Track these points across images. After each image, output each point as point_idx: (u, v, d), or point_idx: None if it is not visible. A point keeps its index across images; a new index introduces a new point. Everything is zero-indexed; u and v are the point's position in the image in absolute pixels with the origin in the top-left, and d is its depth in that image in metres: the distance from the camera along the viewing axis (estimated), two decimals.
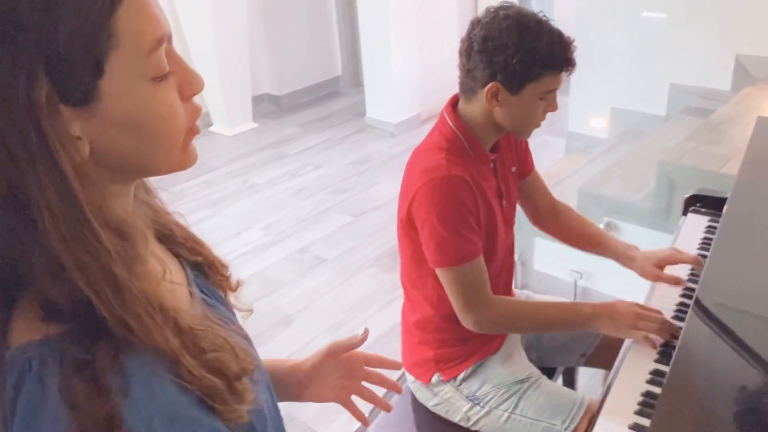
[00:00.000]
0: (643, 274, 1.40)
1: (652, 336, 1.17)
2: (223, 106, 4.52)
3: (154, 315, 0.49)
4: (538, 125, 1.26)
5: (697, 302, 1.11)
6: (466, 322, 1.24)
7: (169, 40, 0.51)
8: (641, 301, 1.33)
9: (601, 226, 2.33)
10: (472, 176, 1.21)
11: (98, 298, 0.46)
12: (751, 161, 1.51)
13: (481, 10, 1.21)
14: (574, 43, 1.17)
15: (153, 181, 0.65)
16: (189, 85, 0.52)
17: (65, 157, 0.44)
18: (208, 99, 4.59)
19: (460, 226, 1.18)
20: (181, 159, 0.54)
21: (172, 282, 0.55)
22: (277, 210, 3.52)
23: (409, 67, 4.35)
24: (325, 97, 5.25)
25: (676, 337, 1.13)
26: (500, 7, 1.17)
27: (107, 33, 0.45)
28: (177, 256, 0.64)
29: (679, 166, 2.12)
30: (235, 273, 0.74)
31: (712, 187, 1.71)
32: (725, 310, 1.09)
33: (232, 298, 0.70)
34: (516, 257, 2.68)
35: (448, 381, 1.36)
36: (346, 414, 1.45)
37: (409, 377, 1.43)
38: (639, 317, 1.18)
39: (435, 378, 1.37)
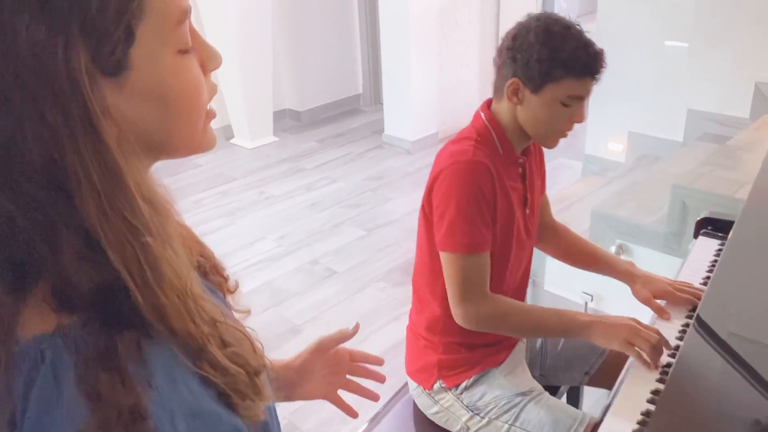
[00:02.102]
0: (637, 296, 1.40)
1: (646, 357, 1.15)
2: (245, 119, 4.60)
3: (187, 299, 0.47)
4: (563, 134, 1.25)
5: (698, 319, 1.10)
6: (457, 314, 1.23)
7: (189, 16, 0.50)
8: (646, 320, 1.32)
9: (613, 248, 2.31)
10: (498, 171, 1.22)
11: (132, 277, 0.43)
12: (762, 185, 1.49)
13: (502, 33, 1.26)
14: (604, 53, 1.18)
15: (171, 191, 0.66)
16: (209, 59, 0.52)
17: (107, 127, 0.43)
18: (231, 112, 4.67)
19: (474, 215, 1.18)
20: (202, 139, 0.54)
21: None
22: (291, 222, 3.56)
23: (428, 86, 4.39)
24: (345, 114, 5.31)
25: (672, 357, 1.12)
26: (539, 14, 1.21)
27: (137, 1, 0.44)
28: None
29: (692, 189, 2.11)
30: (247, 282, 0.72)
31: (725, 212, 1.69)
32: (725, 330, 1.08)
33: (230, 299, 0.69)
34: None
35: (450, 389, 1.35)
36: (348, 426, 1.43)
37: (412, 383, 1.43)
38: (634, 332, 1.16)
39: (437, 385, 1.36)
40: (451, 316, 1.31)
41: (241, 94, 4.46)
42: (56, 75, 0.41)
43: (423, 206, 1.29)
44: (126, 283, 0.43)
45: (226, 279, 0.68)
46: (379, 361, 0.94)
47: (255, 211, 3.70)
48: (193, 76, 0.50)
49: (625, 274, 1.43)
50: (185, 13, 0.48)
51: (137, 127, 0.47)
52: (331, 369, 0.89)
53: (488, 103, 1.30)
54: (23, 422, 0.43)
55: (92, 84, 0.42)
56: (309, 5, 4.86)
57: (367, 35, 5.22)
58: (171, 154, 0.53)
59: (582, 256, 1.51)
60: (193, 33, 0.51)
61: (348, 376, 0.92)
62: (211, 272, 0.66)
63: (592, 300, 2.47)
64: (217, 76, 4.71)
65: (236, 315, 0.68)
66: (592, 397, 2.09)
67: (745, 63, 2.83)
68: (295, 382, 0.87)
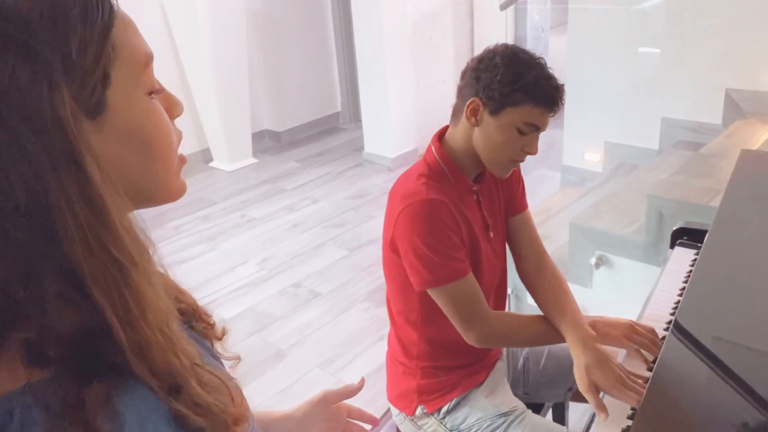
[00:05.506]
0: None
1: (644, 353, 1.18)
2: (224, 142, 4.58)
3: (169, 334, 0.47)
4: (515, 162, 1.24)
5: (676, 325, 1.10)
6: (469, 338, 1.24)
7: (152, 61, 0.52)
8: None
9: (593, 260, 2.32)
10: (453, 201, 1.22)
11: (116, 312, 0.43)
12: (732, 193, 1.51)
13: (477, 51, 1.27)
14: (564, 89, 1.20)
15: (151, 218, 0.64)
16: (172, 106, 0.54)
17: (92, 164, 0.43)
18: (209, 135, 4.65)
19: (445, 246, 1.19)
20: (175, 184, 0.54)
21: None
22: (273, 244, 3.53)
23: (405, 104, 4.41)
24: (324, 132, 5.31)
25: None
26: (507, 43, 1.23)
27: (111, 44, 0.46)
28: None
29: (667, 199, 2.13)
30: (230, 308, 0.70)
31: (700, 220, 1.71)
32: (702, 335, 1.09)
33: (218, 346, 0.67)
34: (509, 290, 2.67)
35: (432, 413, 1.35)
36: None
37: (394, 410, 1.42)
38: (632, 330, 1.19)
39: (419, 410, 1.36)
40: (427, 340, 1.32)
41: (218, 117, 4.45)
42: (41, 115, 0.41)
43: (386, 246, 1.29)
44: (109, 319, 0.43)
45: (212, 325, 0.66)
46: (375, 421, 0.94)
47: (236, 235, 3.68)
48: (164, 119, 0.52)
49: (573, 353, 1.19)
50: (149, 56, 0.50)
51: (116, 171, 0.47)
52: (328, 423, 0.89)
53: (438, 135, 1.31)
54: None
55: (76, 123, 0.43)
56: (283, 24, 4.88)
57: (344, 52, 5.24)
58: (147, 200, 0.53)
59: (548, 307, 1.28)
60: (156, 80, 0.52)
61: (349, 419, 0.93)
62: (194, 321, 0.64)
63: None
64: (195, 99, 4.66)
65: (226, 363, 0.66)
66: (578, 412, 2.08)
67: (715, 70, 2.88)
68: None
